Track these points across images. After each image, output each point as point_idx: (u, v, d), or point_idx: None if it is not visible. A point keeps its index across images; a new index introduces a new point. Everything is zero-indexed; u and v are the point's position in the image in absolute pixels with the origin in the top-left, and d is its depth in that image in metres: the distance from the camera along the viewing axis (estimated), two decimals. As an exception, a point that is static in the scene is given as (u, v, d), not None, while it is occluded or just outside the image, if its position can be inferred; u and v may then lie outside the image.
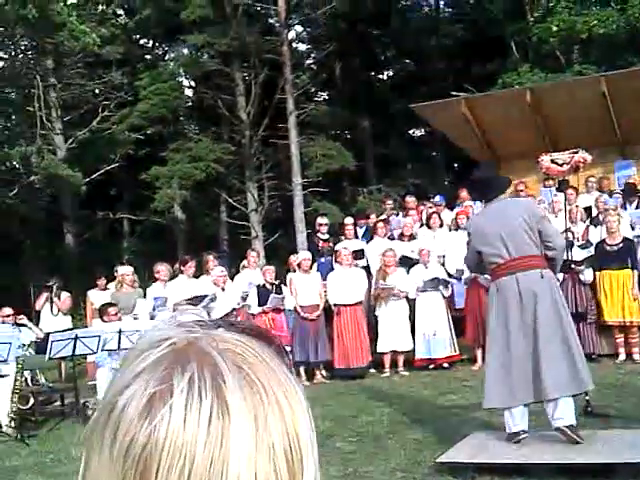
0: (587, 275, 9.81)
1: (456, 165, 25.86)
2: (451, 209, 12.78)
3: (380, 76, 26.61)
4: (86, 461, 0.61)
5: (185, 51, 22.78)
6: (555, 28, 16.97)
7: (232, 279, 11.10)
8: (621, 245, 9.72)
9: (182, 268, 10.57)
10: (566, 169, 8.02)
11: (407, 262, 11.02)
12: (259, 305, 10.42)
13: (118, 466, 0.57)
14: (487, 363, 5.80)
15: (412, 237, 11.47)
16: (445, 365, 10.41)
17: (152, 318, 10.15)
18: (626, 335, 9.72)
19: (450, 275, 10.77)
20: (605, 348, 9.84)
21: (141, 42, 24.65)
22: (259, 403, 0.59)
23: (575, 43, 17.87)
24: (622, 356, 9.66)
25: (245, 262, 11.61)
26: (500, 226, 5.63)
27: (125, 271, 10.97)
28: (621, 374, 8.73)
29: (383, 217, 12.91)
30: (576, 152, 9.07)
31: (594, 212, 10.95)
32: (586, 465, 5.12)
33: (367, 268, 11.24)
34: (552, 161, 8.38)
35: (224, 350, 0.60)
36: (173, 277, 10.74)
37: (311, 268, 10.92)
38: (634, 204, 11.15)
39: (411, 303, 10.66)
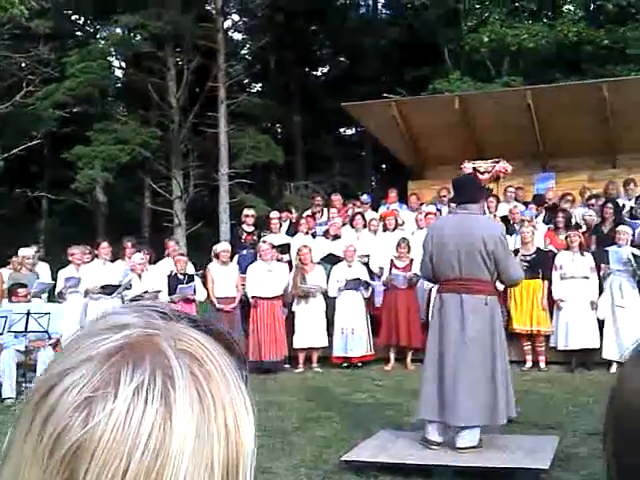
0: (499, 285, 10.00)
1: (384, 166, 26.11)
2: (376, 210, 12.88)
3: (314, 72, 26.64)
4: (10, 442, 0.56)
5: (118, 31, 22.27)
6: (486, 39, 17.30)
7: (153, 264, 10.95)
8: (534, 256, 9.96)
9: (96, 252, 10.38)
10: (487, 177, 8.20)
11: (333, 260, 11.04)
12: (169, 294, 10.28)
13: (43, 457, 0.52)
14: (423, 374, 5.78)
15: (337, 236, 11.49)
16: (359, 364, 10.49)
17: (62, 299, 9.94)
18: (533, 343, 9.98)
19: (372, 274, 10.85)
20: (513, 355, 10.07)
21: (72, 18, 24.00)
22: (206, 419, 0.55)
23: (505, 55, 18.25)
24: (529, 363, 9.92)
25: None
26: (459, 241, 5.50)
27: (26, 253, 10.74)
28: (526, 380, 8.95)
29: (308, 213, 12.93)
30: (498, 162, 9.29)
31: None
32: (486, 469, 5.23)
33: (291, 263, 11.23)
34: (474, 169, 8.55)
35: (182, 352, 0.56)
36: (90, 261, 10.53)
37: (231, 260, 10.85)
38: (541, 216, 11.42)
39: (329, 301, 10.70)
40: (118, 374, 0.54)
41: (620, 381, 0.70)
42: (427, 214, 11.23)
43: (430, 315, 5.97)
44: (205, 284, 10.60)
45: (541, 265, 9.93)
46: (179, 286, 10.26)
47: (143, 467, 0.52)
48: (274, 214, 12.27)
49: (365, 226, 11.57)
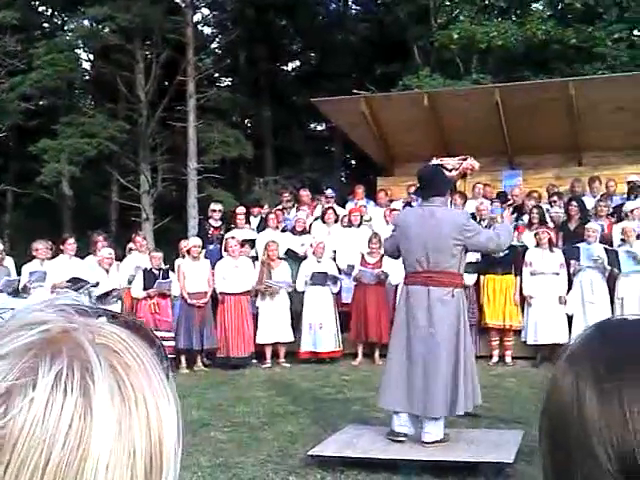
0: (467, 279, 10.08)
1: (353, 162, 26.15)
2: (342, 205, 12.89)
3: (284, 67, 26.54)
4: None
5: (85, 23, 21.99)
6: (456, 36, 17.36)
7: (119, 261, 10.86)
8: (507, 252, 10.06)
9: (62, 247, 10.24)
10: (454, 174, 8.21)
11: (292, 255, 11.07)
12: (144, 289, 10.22)
13: None
14: (388, 363, 5.84)
15: (304, 232, 11.49)
16: (327, 360, 10.50)
17: (27, 293, 9.81)
18: (502, 338, 10.09)
19: (340, 270, 10.87)
20: (481, 349, 10.16)
21: (39, 9, 23.67)
22: (126, 409, 0.55)
23: (474, 52, 18.34)
24: (495, 358, 10.02)
25: (132, 245, 11.39)
26: (427, 235, 5.54)
27: None
28: (493, 375, 9.04)
29: (279, 208, 12.89)
30: (465, 159, 9.32)
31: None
32: (451, 463, 5.27)
33: (256, 258, 11.21)
34: (441, 165, 8.55)
35: (101, 345, 0.56)
36: (54, 256, 10.38)
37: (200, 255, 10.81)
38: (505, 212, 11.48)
39: (297, 296, 10.69)
40: (36, 367, 0.54)
41: (552, 383, 0.73)
42: (392, 210, 11.27)
43: (397, 306, 6.02)
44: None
45: (513, 261, 10.06)
46: (158, 281, 10.21)
47: (65, 458, 0.52)
48: (240, 209, 12.26)
49: (336, 221, 11.59)
